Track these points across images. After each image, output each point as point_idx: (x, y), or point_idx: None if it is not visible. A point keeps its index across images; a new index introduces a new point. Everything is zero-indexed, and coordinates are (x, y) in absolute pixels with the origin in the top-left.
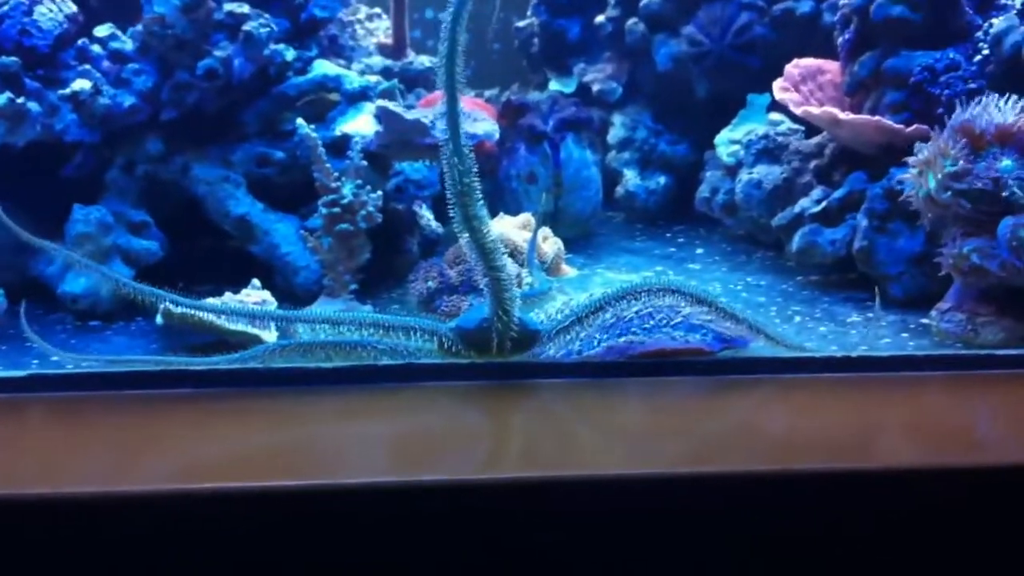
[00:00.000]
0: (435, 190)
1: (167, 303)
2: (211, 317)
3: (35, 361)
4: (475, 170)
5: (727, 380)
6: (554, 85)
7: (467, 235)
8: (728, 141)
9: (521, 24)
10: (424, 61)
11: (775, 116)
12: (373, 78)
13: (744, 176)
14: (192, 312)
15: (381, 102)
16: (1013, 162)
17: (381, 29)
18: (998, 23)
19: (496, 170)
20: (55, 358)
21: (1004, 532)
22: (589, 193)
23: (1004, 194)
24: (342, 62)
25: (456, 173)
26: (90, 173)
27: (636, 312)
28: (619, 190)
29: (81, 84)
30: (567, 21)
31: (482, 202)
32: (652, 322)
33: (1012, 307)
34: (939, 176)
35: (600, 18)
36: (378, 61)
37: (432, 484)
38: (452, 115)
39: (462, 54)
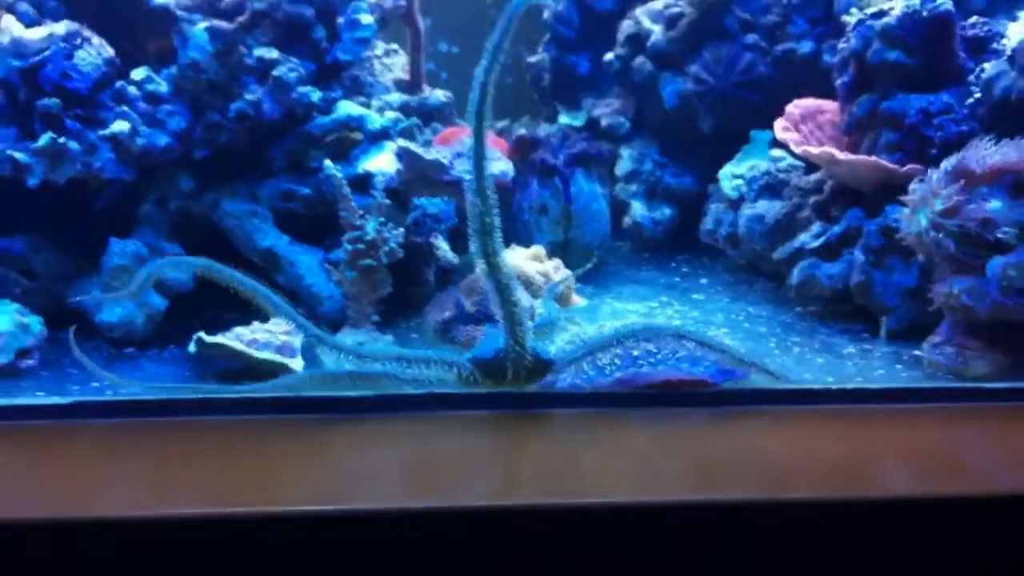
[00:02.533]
0: (451, 223)
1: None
2: (241, 346)
3: (76, 387)
4: (496, 210)
5: (729, 411)
6: (564, 118)
7: (486, 271)
8: (731, 175)
9: (532, 59)
10: (439, 96)
11: (776, 152)
12: (392, 114)
13: (747, 211)
14: (223, 343)
15: (402, 142)
16: (1003, 203)
17: (398, 65)
18: (989, 68)
19: (509, 202)
20: (96, 384)
21: (992, 559)
22: (598, 225)
23: (997, 234)
24: (362, 99)
25: (478, 212)
26: (123, 207)
27: (643, 347)
28: (626, 220)
29: (120, 126)
30: (577, 57)
31: (501, 240)
32: (659, 355)
33: (1000, 340)
34: (929, 215)
35: (609, 56)
36: (396, 97)
37: (448, 510)
38: (478, 161)
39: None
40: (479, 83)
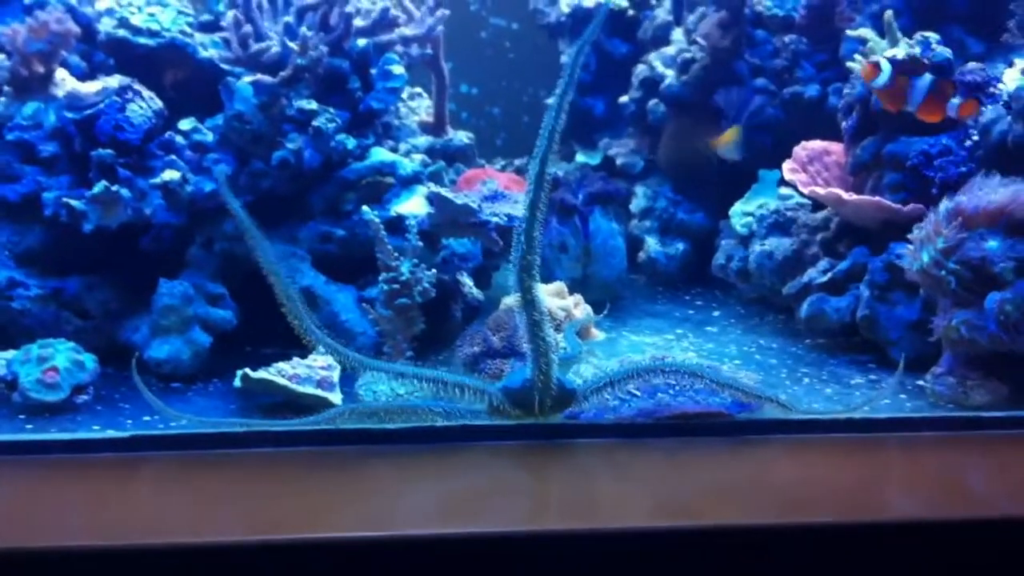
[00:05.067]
0: (477, 262)
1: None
2: (284, 381)
3: (128, 421)
4: (537, 251)
5: (743, 440)
6: (580, 157)
7: (521, 305)
8: (741, 213)
9: (550, 101)
10: (462, 137)
11: (784, 191)
12: (419, 157)
13: (757, 247)
14: (267, 378)
15: (433, 187)
16: (999, 242)
17: (422, 108)
18: (987, 112)
19: None
20: (147, 418)
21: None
22: (615, 261)
23: (994, 271)
24: (391, 143)
25: (522, 252)
26: (172, 249)
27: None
28: (641, 255)
29: (171, 175)
30: (593, 99)
31: (538, 280)
32: (678, 387)
33: (998, 371)
34: (932, 253)
35: (624, 98)
36: (423, 141)
37: (480, 535)
38: (534, 205)
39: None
40: (547, 131)
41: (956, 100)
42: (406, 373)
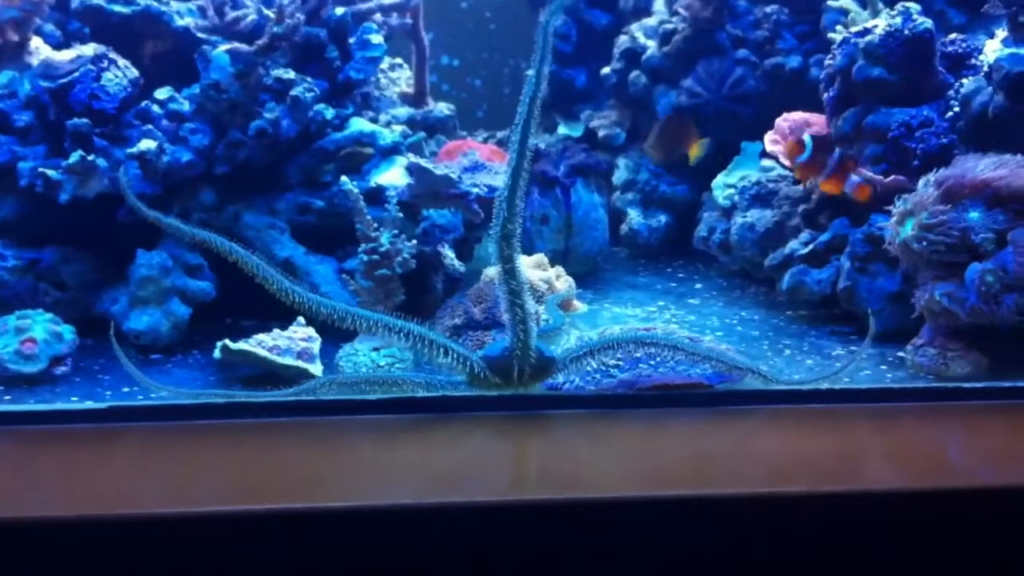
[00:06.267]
0: (458, 233)
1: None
2: (264, 352)
3: (107, 392)
4: (519, 219)
5: (724, 411)
6: (562, 129)
7: (501, 273)
8: (723, 185)
9: (530, 72)
10: (443, 108)
11: (766, 162)
12: (399, 128)
13: (739, 219)
14: (247, 349)
15: (412, 157)
16: (980, 214)
17: (403, 79)
18: (968, 83)
19: None
20: (126, 389)
21: (973, 546)
22: (597, 233)
23: (975, 240)
24: (371, 114)
25: (503, 219)
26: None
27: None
28: (623, 228)
29: (147, 144)
30: (574, 71)
31: (519, 248)
32: (658, 358)
33: (978, 343)
34: (915, 225)
35: (605, 70)
36: (403, 112)
37: (463, 505)
38: (516, 172)
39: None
40: (528, 98)
41: (856, 178)
42: (393, 327)
